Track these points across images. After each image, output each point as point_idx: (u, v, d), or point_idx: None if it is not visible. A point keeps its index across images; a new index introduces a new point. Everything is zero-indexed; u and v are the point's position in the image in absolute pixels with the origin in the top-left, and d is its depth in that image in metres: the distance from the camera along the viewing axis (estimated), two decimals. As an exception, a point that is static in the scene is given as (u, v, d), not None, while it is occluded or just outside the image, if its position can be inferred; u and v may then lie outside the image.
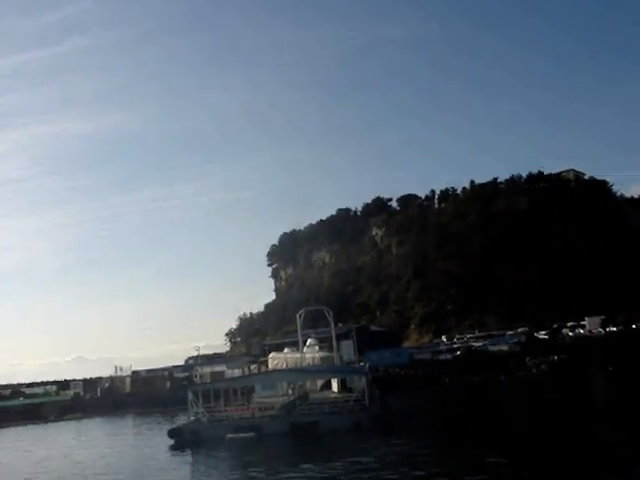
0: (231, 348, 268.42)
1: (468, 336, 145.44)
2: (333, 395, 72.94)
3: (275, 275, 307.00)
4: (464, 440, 46.69)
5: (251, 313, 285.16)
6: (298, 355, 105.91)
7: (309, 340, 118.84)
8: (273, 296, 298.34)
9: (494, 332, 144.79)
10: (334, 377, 77.59)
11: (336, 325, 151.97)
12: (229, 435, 55.53)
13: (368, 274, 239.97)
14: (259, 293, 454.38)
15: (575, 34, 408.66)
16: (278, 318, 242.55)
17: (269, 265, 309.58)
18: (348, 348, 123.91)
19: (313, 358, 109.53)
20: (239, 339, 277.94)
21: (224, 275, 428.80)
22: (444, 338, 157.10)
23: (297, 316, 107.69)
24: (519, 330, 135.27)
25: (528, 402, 72.36)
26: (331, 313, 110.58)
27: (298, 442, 52.39)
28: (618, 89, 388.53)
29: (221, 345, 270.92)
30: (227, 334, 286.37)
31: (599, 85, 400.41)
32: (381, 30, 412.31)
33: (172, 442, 58.16)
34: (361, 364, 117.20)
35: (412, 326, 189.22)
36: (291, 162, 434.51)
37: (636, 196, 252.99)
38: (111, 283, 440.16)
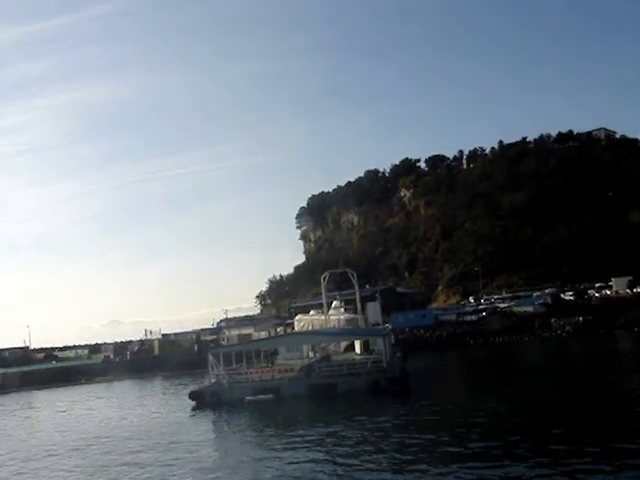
0: (262, 311, 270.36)
1: (495, 297, 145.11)
2: (355, 357, 73.58)
3: (304, 237, 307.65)
4: (477, 400, 47.10)
5: (281, 275, 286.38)
6: (323, 317, 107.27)
7: (334, 302, 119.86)
8: (303, 258, 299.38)
9: (521, 293, 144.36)
10: (353, 339, 78.18)
11: (363, 287, 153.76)
12: (248, 397, 56.41)
13: (396, 236, 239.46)
14: (289, 255, 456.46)
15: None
16: (307, 280, 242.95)
17: (298, 227, 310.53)
18: (374, 310, 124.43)
19: (338, 320, 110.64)
20: (269, 301, 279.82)
21: (254, 238, 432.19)
22: (471, 299, 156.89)
23: (322, 279, 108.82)
24: (546, 291, 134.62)
25: (548, 363, 72.59)
26: (355, 275, 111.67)
27: (316, 403, 53.09)
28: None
29: (252, 308, 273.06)
30: (257, 297, 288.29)
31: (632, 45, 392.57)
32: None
33: (194, 404, 59.27)
34: (386, 326, 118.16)
35: (439, 287, 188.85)
36: (320, 126, 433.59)
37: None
38: (142, 249, 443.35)
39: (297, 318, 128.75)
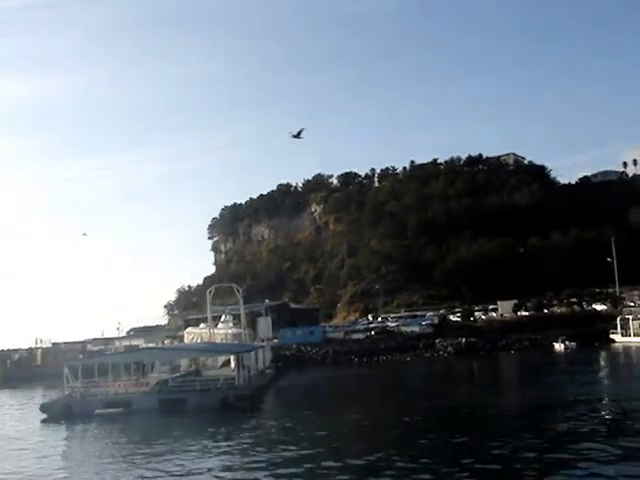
0: (169, 321, 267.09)
1: (392, 316, 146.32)
2: (223, 372, 72.99)
3: (215, 248, 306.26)
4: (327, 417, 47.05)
5: (189, 286, 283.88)
6: (212, 331, 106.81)
7: (223, 316, 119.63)
8: (213, 269, 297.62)
9: (419, 313, 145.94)
10: (201, 356, 77.73)
11: (258, 301, 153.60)
12: (97, 410, 55.40)
13: (305, 250, 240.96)
14: (200, 266, 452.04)
15: (521, 22, 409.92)
16: (215, 292, 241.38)
17: (210, 238, 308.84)
18: (265, 325, 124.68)
19: (226, 334, 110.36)
20: (176, 312, 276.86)
21: (166, 247, 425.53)
22: (370, 317, 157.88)
23: (207, 292, 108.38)
24: (441, 312, 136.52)
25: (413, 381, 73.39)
26: (240, 290, 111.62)
27: (163, 418, 52.35)
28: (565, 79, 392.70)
29: (160, 317, 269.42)
30: (165, 306, 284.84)
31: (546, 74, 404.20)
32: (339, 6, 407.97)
33: (45, 416, 57.77)
34: (275, 341, 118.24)
35: (338, 305, 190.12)
36: (234, 135, 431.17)
37: (573, 182, 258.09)
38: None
39: (187, 331, 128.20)
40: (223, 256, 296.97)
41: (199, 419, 50.88)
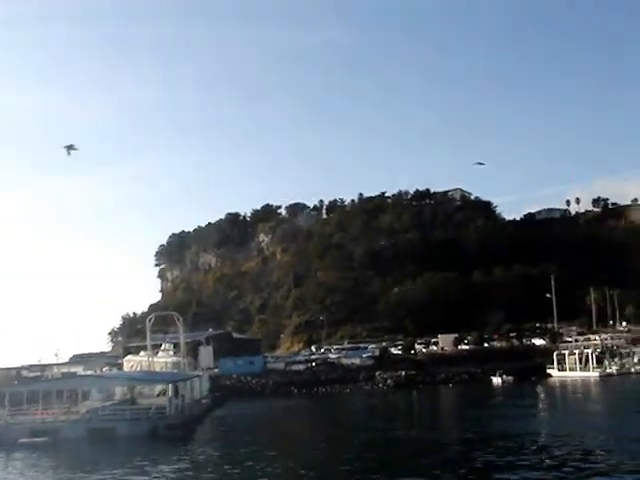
0: (113, 348, 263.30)
1: (335, 347, 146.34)
2: (161, 401, 72.04)
3: (162, 276, 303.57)
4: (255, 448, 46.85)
5: (134, 313, 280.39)
6: (152, 359, 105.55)
7: (163, 345, 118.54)
8: (159, 297, 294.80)
9: (362, 345, 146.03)
10: (134, 384, 76.50)
11: (203, 330, 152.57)
12: (22, 440, 54.15)
13: (251, 280, 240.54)
14: (146, 293, 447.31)
15: (473, 62, 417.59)
16: (160, 319, 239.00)
17: (157, 265, 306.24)
18: (206, 354, 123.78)
19: (165, 363, 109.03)
20: (120, 339, 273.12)
21: (113, 273, 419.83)
22: (314, 348, 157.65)
23: (147, 320, 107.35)
24: (382, 345, 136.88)
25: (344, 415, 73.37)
26: (180, 319, 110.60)
27: (91, 447, 51.52)
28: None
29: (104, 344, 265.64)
30: (109, 333, 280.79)
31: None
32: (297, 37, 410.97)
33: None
34: (215, 370, 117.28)
35: (282, 335, 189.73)
36: (182, 163, 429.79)
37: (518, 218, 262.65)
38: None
39: (126, 359, 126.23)
40: (169, 284, 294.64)
41: (126, 449, 50.18)
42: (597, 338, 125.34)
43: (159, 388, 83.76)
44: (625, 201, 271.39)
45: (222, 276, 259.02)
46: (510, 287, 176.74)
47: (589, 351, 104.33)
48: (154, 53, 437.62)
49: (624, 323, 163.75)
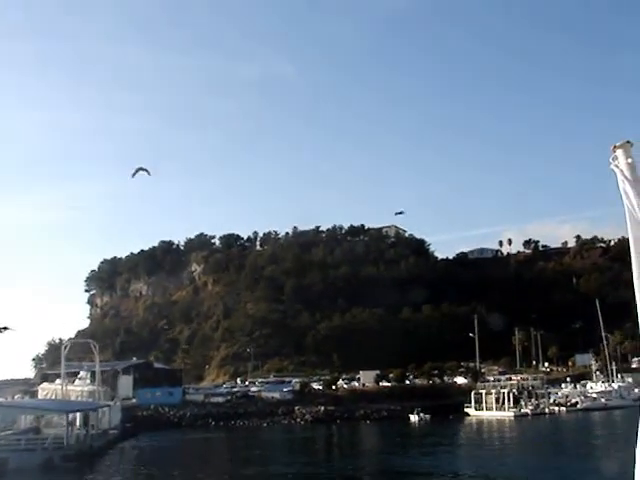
0: (35, 375, 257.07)
1: (259, 380, 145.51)
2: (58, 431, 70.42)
3: (91, 302, 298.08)
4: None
5: (60, 339, 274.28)
6: (67, 387, 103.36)
7: (81, 373, 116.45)
8: (87, 323, 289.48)
9: (287, 379, 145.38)
10: (32, 413, 74.53)
11: (129, 358, 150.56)
12: None
13: (182, 309, 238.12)
14: (75, 319, 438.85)
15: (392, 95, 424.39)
16: (86, 347, 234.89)
17: (87, 291, 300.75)
18: (125, 384, 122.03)
19: (82, 391, 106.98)
20: (44, 365, 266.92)
21: (40, 297, 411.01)
22: (239, 380, 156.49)
23: (62, 348, 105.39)
24: (301, 380, 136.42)
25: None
26: (97, 347, 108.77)
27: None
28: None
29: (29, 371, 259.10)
30: (34, 359, 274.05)
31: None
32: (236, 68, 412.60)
33: None
34: (133, 400, 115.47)
35: (207, 367, 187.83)
36: (117, 188, 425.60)
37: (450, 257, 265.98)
38: None
39: (41, 386, 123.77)
40: (99, 310, 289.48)
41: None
42: (519, 378, 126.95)
43: (71, 417, 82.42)
44: (556, 244, 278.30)
45: (152, 304, 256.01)
46: (438, 324, 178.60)
47: (505, 391, 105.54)
48: (95, 75, 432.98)
49: (546, 364, 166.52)
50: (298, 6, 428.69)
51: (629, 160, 6.43)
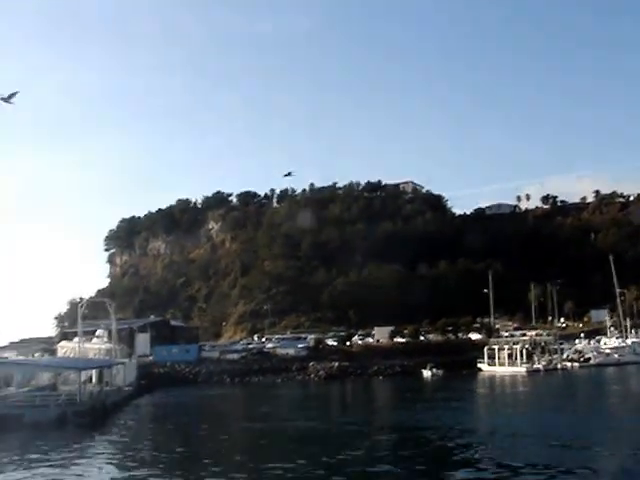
0: (57, 333, 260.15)
1: (276, 337, 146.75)
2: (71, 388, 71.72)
3: (111, 261, 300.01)
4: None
5: (81, 298, 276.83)
6: (82, 345, 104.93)
7: (98, 331, 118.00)
8: (107, 282, 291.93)
9: (303, 335, 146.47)
10: (53, 371, 75.81)
11: (146, 317, 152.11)
12: None
13: (199, 267, 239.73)
14: (95, 277, 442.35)
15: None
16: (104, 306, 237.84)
17: (106, 250, 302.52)
18: (143, 342, 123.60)
19: (99, 349, 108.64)
20: (66, 323, 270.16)
21: (62, 257, 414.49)
22: (256, 337, 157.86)
23: (78, 307, 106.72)
24: (315, 336, 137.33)
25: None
26: (113, 306, 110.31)
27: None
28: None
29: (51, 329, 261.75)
30: (56, 317, 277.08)
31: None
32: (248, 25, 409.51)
33: None
34: (150, 358, 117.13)
35: (224, 324, 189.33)
36: (135, 147, 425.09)
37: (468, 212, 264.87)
38: None
39: (60, 344, 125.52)
40: (118, 269, 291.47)
41: (32, 435, 49.81)
42: (533, 334, 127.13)
43: (85, 374, 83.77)
44: (575, 199, 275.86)
45: (171, 263, 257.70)
46: (454, 281, 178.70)
47: (518, 347, 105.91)
48: (108, 37, 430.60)
49: (562, 319, 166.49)
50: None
51: None
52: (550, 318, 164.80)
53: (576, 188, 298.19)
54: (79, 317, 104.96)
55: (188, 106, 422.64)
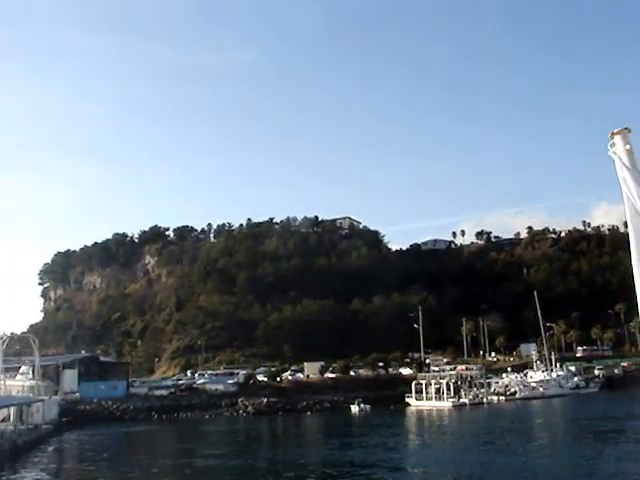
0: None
1: (209, 372, 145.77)
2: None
3: (44, 295, 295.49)
4: None
5: (12, 333, 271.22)
6: (9, 382, 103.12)
7: (22, 367, 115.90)
8: (41, 316, 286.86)
9: (236, 370, 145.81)
10: None
11: (72, 352, 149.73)
12: None
13: (135, 302, 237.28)
14: (28, 312, 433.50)
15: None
16: (41, 340, 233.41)
17: (40, 284, 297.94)
18: (70, 378, 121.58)
19: (23, 386, 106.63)
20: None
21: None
22: (189, 373, 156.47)
23: (0, 342, 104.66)
24: (246, 372, 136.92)
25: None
26: (36, 342, 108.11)
27: None
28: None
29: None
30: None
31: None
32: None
33: None
34: (77, 395, 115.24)
35: (157, 360, 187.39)
36: (76, 178, 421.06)
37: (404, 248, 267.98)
38: None
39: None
40: (52, 303, 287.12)
41: None
42: (462, 368, 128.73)
43: (2, 413, 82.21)
44: (510, 235, 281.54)
45: (106, 297, 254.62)
46: (387, 316, 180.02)
47: (444, 381, 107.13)
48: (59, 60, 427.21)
49: (493, 353, 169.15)
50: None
51: (627, 147, 6.48)
52: (482, 352, 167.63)
53: (514, 223, 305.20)
54: (0, 353, 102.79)
55: (129, 140, 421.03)
